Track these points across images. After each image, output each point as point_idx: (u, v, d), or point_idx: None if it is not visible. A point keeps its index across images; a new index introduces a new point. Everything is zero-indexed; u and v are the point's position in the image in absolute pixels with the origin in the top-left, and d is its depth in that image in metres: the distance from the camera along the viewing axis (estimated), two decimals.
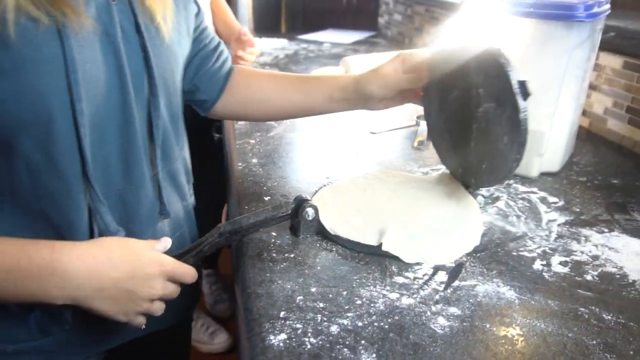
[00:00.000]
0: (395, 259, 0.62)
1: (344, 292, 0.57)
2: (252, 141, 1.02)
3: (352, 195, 0.75)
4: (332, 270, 0.61)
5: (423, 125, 1.07)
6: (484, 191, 0.82)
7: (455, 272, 0.61)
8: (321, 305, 0.55)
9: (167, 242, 0.59)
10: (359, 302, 0.55)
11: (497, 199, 0.80)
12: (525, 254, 0.65)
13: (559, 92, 0.82)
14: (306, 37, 2.25)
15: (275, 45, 2.08)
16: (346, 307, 0.54)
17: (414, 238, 0.64)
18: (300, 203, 0.65)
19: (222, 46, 0.82)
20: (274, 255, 0.64)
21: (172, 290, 0.57)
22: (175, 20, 0.66)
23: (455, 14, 1.60)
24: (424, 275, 0.60)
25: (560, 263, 0.63)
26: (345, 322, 0.52)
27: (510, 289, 0.58)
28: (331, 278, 0.59)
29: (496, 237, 0.69)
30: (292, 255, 0.64)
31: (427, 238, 0.64)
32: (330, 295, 0.56)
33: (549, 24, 0.79)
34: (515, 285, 0.59)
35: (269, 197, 0.78)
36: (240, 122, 1.14)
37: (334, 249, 0.65)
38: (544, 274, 0.61)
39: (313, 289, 0.57)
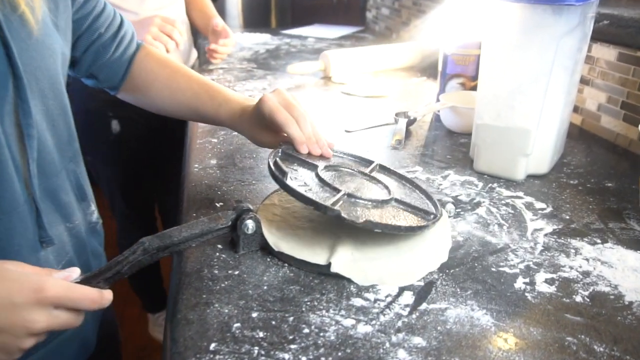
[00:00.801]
0: None
1: (291, 318, 0.48)
2: (215, 140, 0.94)
3: None
4: (280, 290, 0.52)
5: (401, 123, 0.98)
6: (463, 196, 0.74)
7: (423, 292, 0.52)
8: (261, 334, 0.46)
9: (73, 272, 0.49)
10: (306, 330, 0.47)
11: (478, 204, 0.71)
12: (506, 269, 0.57)
13: (546, 85, 0.74)
14: (291, 32, 2.16)
15: (257, 40, 1.99)
16: (290, 338, 0.46)
17: (368, 255, 0.55)
18: (240, 214, 0.56)
19: (125, 28, 0.75)
20: (216, 272, 0.55)
21: (65, 319, 0.46)
22: (47, 7, 0.57)
23: (441, 5, 1.51)
24: (386, 297, 0.52)
25: (546, 281, 0.55)
26: (286, 356, 0.44)
27: (486, 313, 0.50)
28: (278, 300, 0.51)
29: (474, 249, 0.61)
30: (236, 273, 0.55)
31: (385, 255, 0.56)
32: (274, 322, 0.48)
33: (535, 8, 0.71)
34: (493, 309, 0.50)
35: (221, 203, 0.70)
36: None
37: (285, 265, 0.57)
38: (526, 294, 0.53)
39: (254, 314, 0.49)
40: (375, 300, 0.51)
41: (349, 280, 0.54)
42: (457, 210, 0.69)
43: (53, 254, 0.60)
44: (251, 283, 0.53)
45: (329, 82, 1.37)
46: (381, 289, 0.53)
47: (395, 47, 1.52)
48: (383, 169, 0.72)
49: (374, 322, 0.48)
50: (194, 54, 1.62)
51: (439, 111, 1.03)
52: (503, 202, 0.72)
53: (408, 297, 0.52)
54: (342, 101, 1.21)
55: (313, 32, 2.17)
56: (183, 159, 0.90)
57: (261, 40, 1.99)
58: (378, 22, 2.21)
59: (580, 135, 1.01)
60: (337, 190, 0.58)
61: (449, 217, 0.66)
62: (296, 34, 2.11)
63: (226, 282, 0.53)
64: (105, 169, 1.50)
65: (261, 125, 0.69)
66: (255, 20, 2.89)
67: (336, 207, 0.54)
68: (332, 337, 0.46)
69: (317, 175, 0.62)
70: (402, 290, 0.53)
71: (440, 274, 0.55)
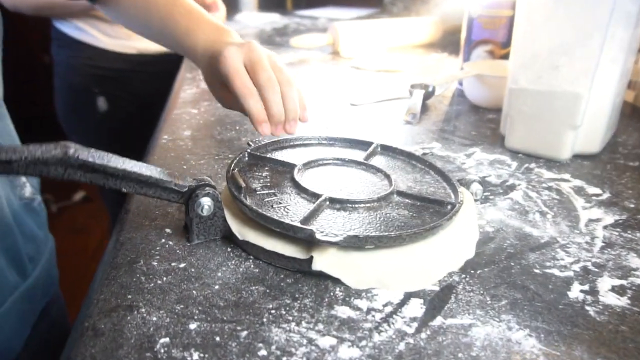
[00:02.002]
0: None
1: (244, 333, 0.33)
2: (195, 111, 0.79)
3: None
4: (237, 292, 0.37)
5: (417, 95, 0.82)
6: (493, 177, 0.58)
7: (438, 301, 0.37)
8: (195, 357, 0.31)
9: None
10: (263, 352, 0.32)
11: (512, 187, 0.55)
12: (555, 271, 0.41)
13: (603, 39, 0.58)
14: (302, 12, 2.02)
15: (265, 20, 1.85)
16: None
17: (366, 250, 0.40)
18: (194, 189, 0.42)
19: None
20: (155, 264, 0.40)
21: None
22: None
23: None
24: (385, 306, 0.36)
25: (614, 289, 0.39)
26: None
27: (529, 333, 0.34)
28: (230, 305, 0.36)
29: (509, 243, 0.45)
30: (181, 266, 0.40)
31: (388, 250, 0.40)
32: (218, 338, 0.33)
33: None
34: (539, 328, 0.35)
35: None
36: (189, 90, 0.91)
37: (250, 258, 0.42)
38: (587, 307, 0.37)
39: (193, 325, 0.34)
40: (369, 311, 0.36)
41: (335, 281, 0.38)
42: (486, 193, 0.54)
43: None
44: (199, 280, 0.39)
45: (338, 57, 1.22)
46: (378, 294, 0.38)
47: (412, 21, 1.36)
48: (386, 150, 0.56)
49: (363, 343, 0.33)
50: None
51: (461, 84, 0.87)
52: (544, 185, 0.56)
53: (416, 307, 0.36)
54: (350, 75, 1.06)
55: (326, 13, 2.02)
56: (154, 131, 0.76)
57: (269, 20, 1.85)
58: (396, 2, 2.05)
59: (633, 113, 0.84)
60: (317, 196, 0.44)
61: (475, 200, 0.50)
62: (307, 15, 1.96)
63: (165, 278, 0.39)
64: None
65: (221, 82, 0.56)
66: (270, 2, 2.77)
67: (311, 223, 0.40)
68: None
69: (292, 180, 0.47)
70: (407, 296, 0.37)
71: (463, 276, 0.40)
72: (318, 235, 0.37)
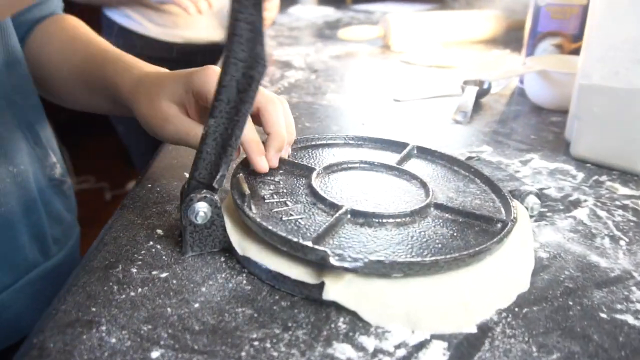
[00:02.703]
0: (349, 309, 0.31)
1: None
2: None
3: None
4: (219, 313, 0.31)
5: (469, 92, 0.73)
6: (552, 190, 0.48)
7: (466, 346, 0.29)
8: None
9: None
10: None
11: (576, 204, 0.46)
12: (629, 318, 0.32)
13: None
14: (358, 6, 1.94)
15: (318, 13, 1.79)
16: None
17: (393, 277, 0.32)
18: (189, 192, 0.36)
19: None
20: (134, 270, 0.35)
21: None
22: None
23: None
24: (397, 348, 0.29)
25: None
26: None
27: None
28: (207, 331, 0.29)
29: (567, 275, 0.36)
30: (163, 275, 0.34)
31: (422, 278, 0.32)
32: None
33: None
34: None
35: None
36: None
37: (243, 272, 0.35)
38: None
39: (155, 354, 0.28)
40: (376, 353, 0.28)
41: (340, 308, 0.31)
42: (542, 209, 0.44)
43: None
44: (178, 295, 0.32)
45: (388, 50, 1.14)
46: (391, 331, 0.30)
47: (471, 15, 1.25)
48: (423, 152, 0.48)
49: None
50: None
51: (522, 81, 0.77)
52: (618, 203, 0.46)
53: (437, 354, 0.28)
54: (398, 69, 0.97)
55: (383, 7, 1.93)
56: None
57: (322, 13, 1.78)
58: None
59: None
60: (336, 208, 0.37)
61: (531, 216, 0.41)
62: (363, 9, 1.89)
63: (140, 290, 0.33)
64: (139, 141, 1.36)
65: (172, 100, 0.44)
66: None
67: (326, 241, 0.33)
68: None
69: (309, 186, 0.40)
70: (429, 338, 0.29)
71: (504, 315, 0.31)
72: (333, 260, 0.30)
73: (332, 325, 0.30)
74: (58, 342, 0.28)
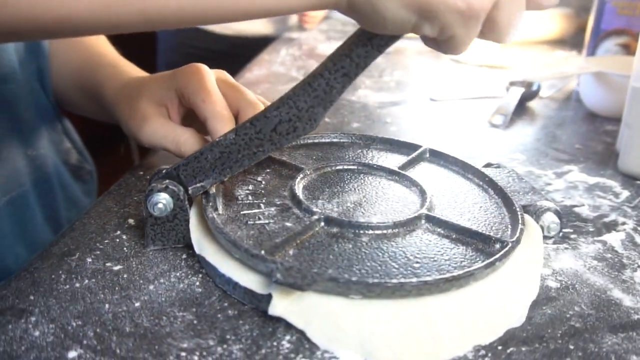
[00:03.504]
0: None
1: None
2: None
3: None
4: (157, 316, 0.28)
5: (513, 94, 0.66)
6: (586, 208, 0.42)
7: None
8: None
9: None
10: None
11: (612, 226, 0.39)
12: None
13: None
14: None
15: None
16: None
17: (352, 298, 0.27)
18: (150, 180, 0.33)
19: None
20: (89, 260, 0.33)
21: None
22: None
23: None
24: None
25: None
26: None
27: None
28: (137, 334, 0.27)
29: (577, 312, 0.30)
30: (116, 268, 0.32)
31: (387, 302, 0.27)
32: None
33: None
34: None
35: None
36: (256, 72, 0.84)
37: (200, 273, 0.32)
38: None
39: (72, 354, 0.25)
40: None
41: (289, 326, 0.27)
42: (566, 229, 0.38)
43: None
44: (123, 291, 0.30)
45: None
46: (340, 358, 0.25)
47: (536, 12, 1.15)
48: (435, 156, 0.43)
49: None
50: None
51: (578, 84, 0.69)
52: None
53: None
54: (445, 68, 0.91)
55: None
56: None
57: None
58: None
59: None
60: (310, 214, 0.33)
61: (549, 237, 0.35)
62: None
63: (86, 282, 0.31)
64: None
65: (153, 100, 0.42)
66: None
67: (285, 251, 0.30)
68: None
69: (291, 188, 0.36)
70: None
71: (482, 353, 0.26)
72: (278, 275, 0.26)
73: (275, 344, 0.26)
74: None
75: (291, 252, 0.30)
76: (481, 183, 0.39)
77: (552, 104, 0.70)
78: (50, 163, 0.54)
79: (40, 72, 0.53)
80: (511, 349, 0.26)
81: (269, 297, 0.27)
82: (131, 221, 0.37)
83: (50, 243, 0.35)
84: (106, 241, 0.35)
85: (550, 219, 0.34)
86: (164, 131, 0.40)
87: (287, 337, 0.27)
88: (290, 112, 0.32)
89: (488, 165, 0.43)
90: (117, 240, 0.35)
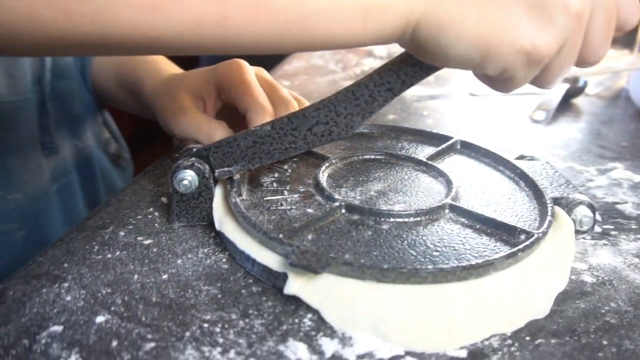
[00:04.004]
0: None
1: (148, 345, 0.24)
2: (287, 83, 0.72)
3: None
4: (183, 288, 0.29)
5: (557, 90, 0.64)
6: (629, 205, 0.40)
7: None
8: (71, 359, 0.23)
9: None
10: None
11: None
12: None
13: None
14: None
15: None
16: None
17: (368, 281, 0.27)
18: (180, 158, 0.34)
19: None
20: (121, 234, 0.34)
21: None
22: None
23: None
24: (360, 358, 0.24)
25: None
26: None
27: None
28: (163, 304, 0.27)
29: (613, 308, 0.28)
30: (146, 242, 0.33)
31: (403, 287, 0.27)
32: (115, 343, 0.24)
33: None
34: None
35: None
36: (295, 64, 0.84)
37: (227, 252, 0.32)
38: None
39: (101, 319, 0.26)
40: (333, 359, 0.24)
41: (313, 309, 0.27)
42: (607, 226, 0.36)
43: (51, 166, 0.50)
44: (152, 264, 0.31)
45: None
46: (359, 339, 0.25)
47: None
48: (467, 148, 0.42)
49: None
50: None
51: (628, 82, 0.65)
52: None
53: None
54: None
55: None
56: None
57: None
58: None
59: None
60: (332, 201, 0.33)
61: (581, 232, 0.33)
62: None
63: (118, 253, 0.31)
64: None
65: (190, 92, 0.43)
66: None
67: (300, 238, 0.30)
68: None
69: (315, 176, 0.36)
70: (402, 354, 0.24)
71: (509, 342, 0.25)
72: (293, 257, 0.26)
73: (296, 321, 0.26)
74: (18, 291, 0.28)
75: (310, 236, 0.30)
76: (512, 175, 0.38)
77: (598, 102, 0.67)
78: (93, 152, 0.57)
79: (84, 68, 0.56)
80: (540, 340, 0.25)
81: (285, 276, 0.27)
82: (164, 199, 0.38)
83: (87, 216, 0.36)
84: (139, 217, 0.36)
85: (582, 212, 0.33)
86: (198, 123, 0.40)
87: (309, 315, 0.27)
88: (329, 115, 0.33)
89: (521, 157, 0.41)
90: (149, 216, 0.36)
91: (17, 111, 0.46)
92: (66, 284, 0.29)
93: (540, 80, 0.30)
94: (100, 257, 0.31)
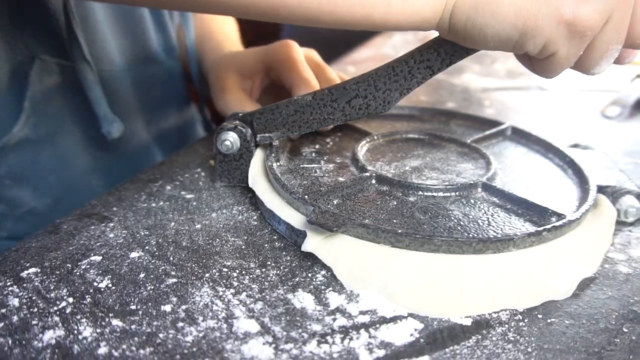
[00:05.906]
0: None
1: (171, 280, 0.27)
2: (353, 69, 0.73)
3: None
4: (212, 238, 0.31)
5: (636, 86, 0.60)
6: None
7: (444, 336, 0.23)
8: (102, 284, 0.26)
9: None
10: (166, 308, 0.25)
11: None
12: None
13: None
14: None
15: None
16: (131, 308, 0.24)
17: (384, 245, 0.27)
18: (227, 120, 0.36)
19: None
20: (168, 188, 0.36)
21: None
22: None
23: None
24: (362, 314, 0.25)
25: None
26: (87, 335, 0.23)
27: None
28: (191, 249, 0.29)
29: None
30: (189, 196, 0.35)
31: (412, 253, 0.27)
32: (142, 275, 0.27)
33: None
34: None
35: None
36: (365, 52, 0.85)
37: (257, 211, 0.34)
38: None
39: (135, 254, 0.29)
40: (334, 311, 0.25)
41: (328, 267, 0.28)
42: None
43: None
44: (189, 214, 0.33)
45: None
46: (364, 298, 0.26)
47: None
48: (517, 134, 0.41)
49: (286, 346, 0.22)
50: None
51: None
52: None
53: (403, 332, 0.24)
54: None
55: None
56: None
57: None
58: None
59: None
60: (365, 171, 0.34)
61: (626, 223, 0.31)
62: None
63: (162, 203, 0.34)
64: None
65: (239, 72, 0.45)
66: None
67: (326, 202, 0.31)
68: (188, 340, 0.23)
69: (353, 150, 0.37)
70: (404, 314, 0.25)
71: (518, 318, 0.25)
72: (312, 215, 0.28)
73: (309, 275, 0.27)
74: (70, 226, 0.31)
75: (335, 201, 0.31)
76: (561, 163, 0.37)
77: None
78: (173, 128, 0.59)
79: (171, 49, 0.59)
80: (552, 319, 0.25)
81: (305, 234, 0.28)
82: (212, 162, 0.41)
83: (142, 171, 0.39)
84: (186, 175, 0.39)
85: (629, 202, 0.31)
86: (237, 104, 0.43)
87: (322, 272, 0.28)
88: (368, 89, 0.33)
89: (575, 146, 0.39)
90: (196, 175, 0.39)
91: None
92: (112, 224, 0.32)
93: (585, 62, 0.28)
94: (145, 205, 0.34)
